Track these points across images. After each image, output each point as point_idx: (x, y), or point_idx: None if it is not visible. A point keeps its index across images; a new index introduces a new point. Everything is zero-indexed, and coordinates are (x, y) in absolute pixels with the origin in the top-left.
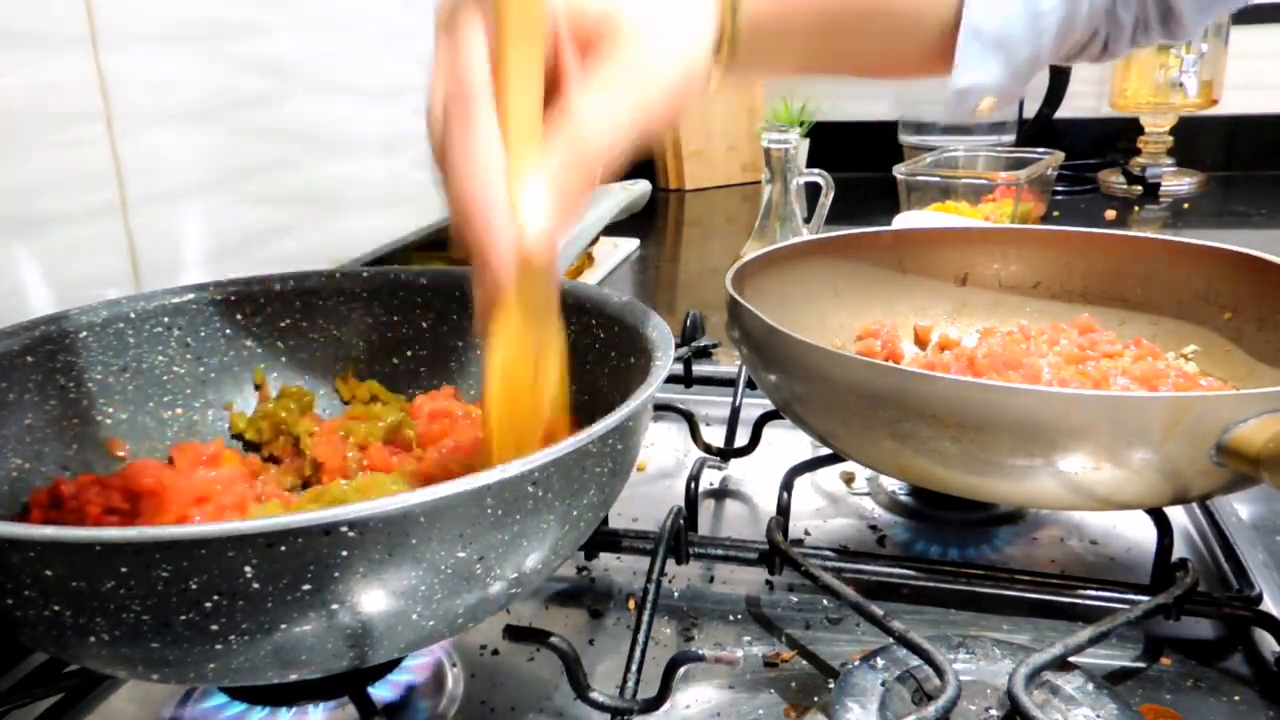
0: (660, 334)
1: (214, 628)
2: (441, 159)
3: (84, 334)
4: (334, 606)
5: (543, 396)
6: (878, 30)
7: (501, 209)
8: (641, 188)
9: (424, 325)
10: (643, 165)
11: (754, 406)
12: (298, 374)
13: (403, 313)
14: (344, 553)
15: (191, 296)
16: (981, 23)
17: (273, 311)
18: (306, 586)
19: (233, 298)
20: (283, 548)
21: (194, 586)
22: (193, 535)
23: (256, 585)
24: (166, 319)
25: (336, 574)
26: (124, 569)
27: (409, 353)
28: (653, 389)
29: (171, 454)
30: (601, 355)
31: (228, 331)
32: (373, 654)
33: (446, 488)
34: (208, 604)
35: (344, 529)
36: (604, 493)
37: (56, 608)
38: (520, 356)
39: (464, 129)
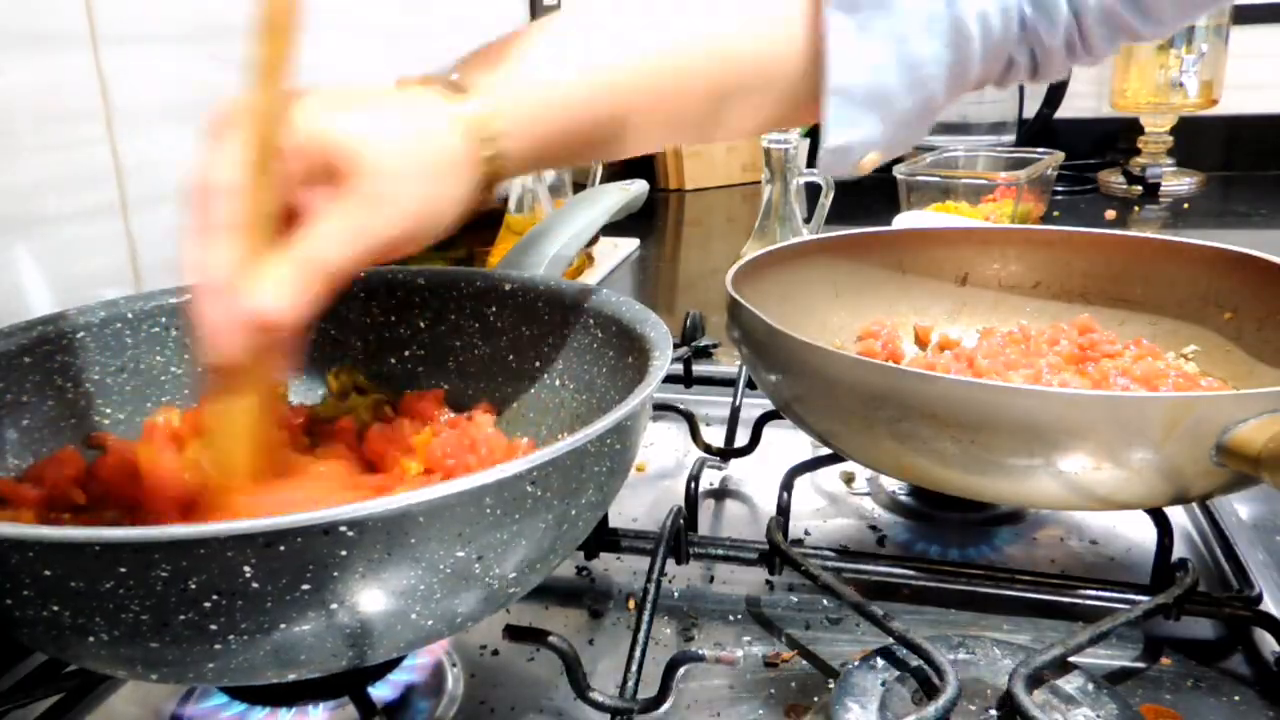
0: (658, 333)
1: (213, 627)
2: (190, 246)
3: (81, 334)
4: (333, 606)
5: (254, 444)
6: (720, 113)
7: (232, 298)
8: (639, 188)
9: (421, 325)
10: (643, 165)
11: (754, 406)
12: (294, 374)
13: (400, 312)
14: (343, 552)
15: (189, 297)
16: (848, 81)
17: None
18: (306, 586)
19: None
20: (282, 547)
21: (193, 586)
22: (191, 535)
23: (256, 585)
24: (164, 319)
25: (336, 573)
26: (123, 569)
27: (406, 352)
28: (651, 388)
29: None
30: (599, 355)
31: None
32: (372, 653)
33: (445, 487)
34: (207, 604)
35: (343, 528)
36: (602, 492)
37: (55, 607)
38: (237, 407)
39: (207, 217)
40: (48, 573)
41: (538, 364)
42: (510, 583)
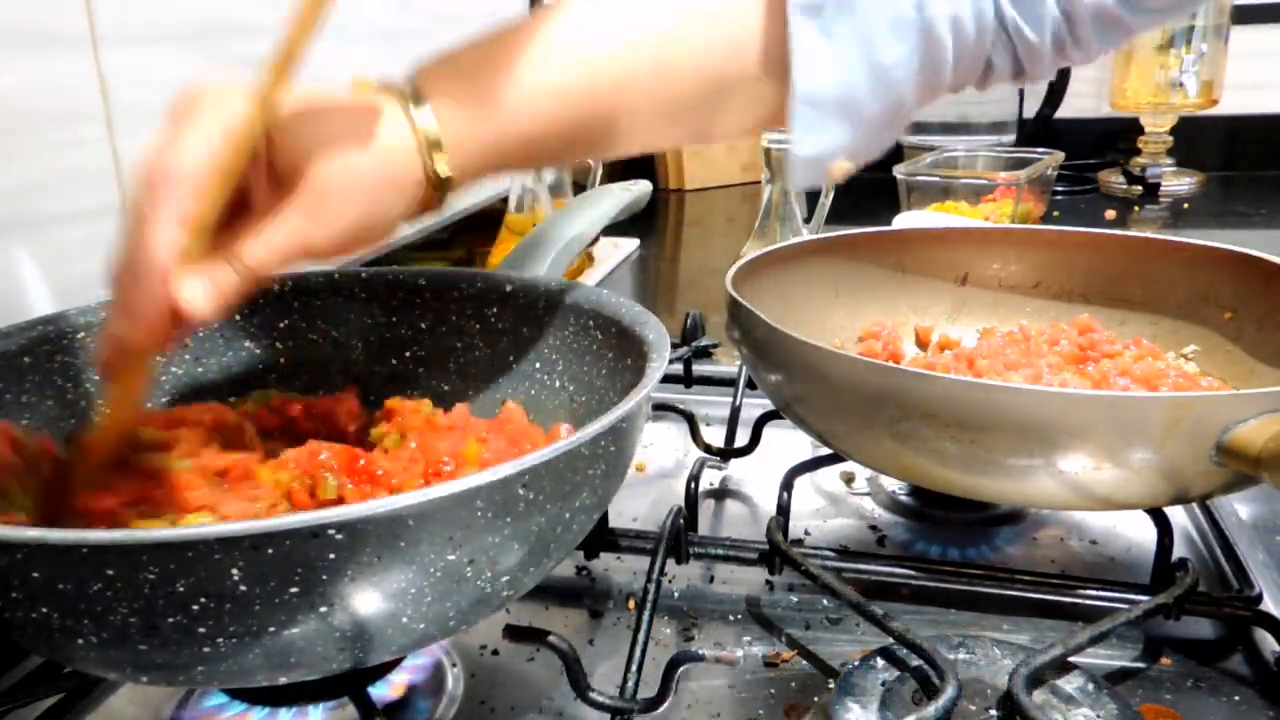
0: (657, 335)
1: (202, 630)
2: (134, 221)
3: (81, 334)
4: (323, 609)
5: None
6: (682, 122)
7: (161, 280)
8: (642, 188)
9: (423, 326)
10: (643, 165)
11: (754, 406)
12: (295, 375)
13: (401, 313)
14: (331, 555)
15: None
16: (815, 89)
17: (271, 312)
18: (294, 589)
19: None
20: (269, 550)
21: (181, 589)
22: (179, 538)
23: (244, 588)
24: None
25: (325, 576)
26: (110, 571)
27: (407, 353)
28: (646, 391)
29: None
30: (599, 356)
31: (226, 333)
32: (363, 656)
33: (435, 490)
34: (195, 606)
35: (332, 531)
36: (598, 494)
37: (44, 609)
38: (130, 395)
39: (160, 203)
40: (36, 574)
41: (538, 365)
42: (504, 585)
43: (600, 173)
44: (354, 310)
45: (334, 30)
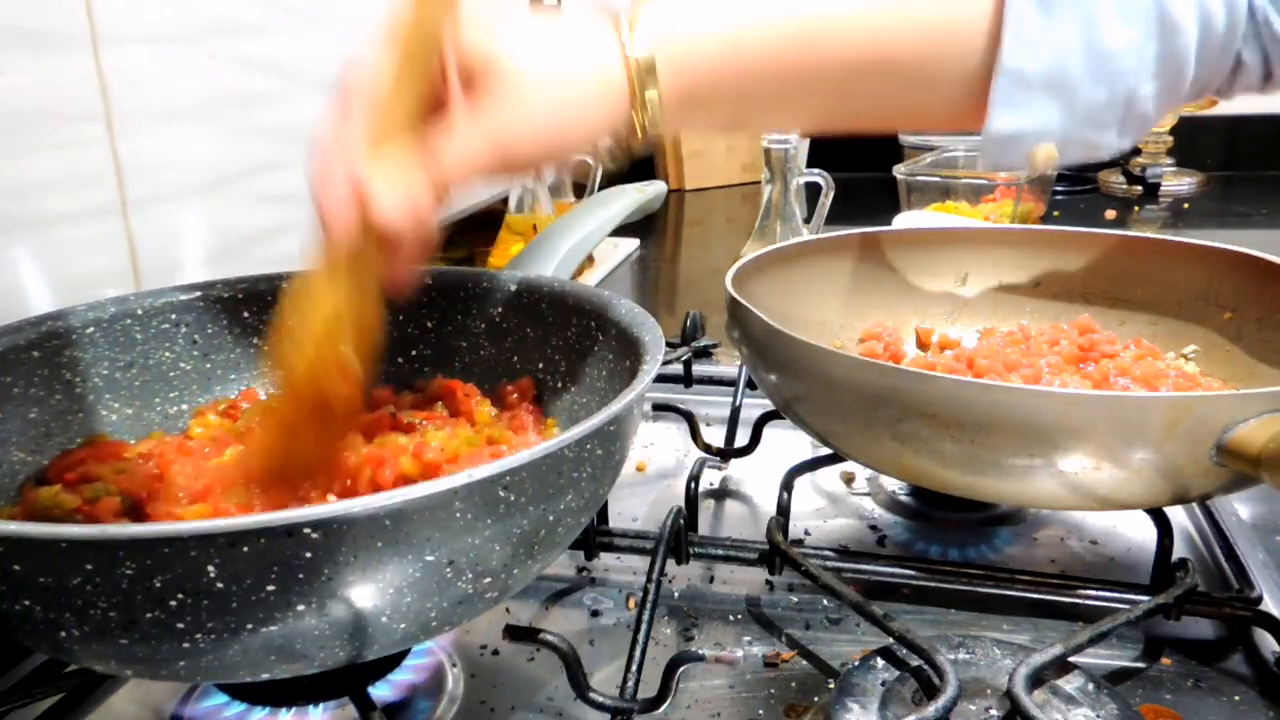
0: (652, 338)
1: (180, 626)
2: (324, 127)
3: (90, 329)
4: (299, 608)
5: (346, 357)
6: (877, 87)
7: (349, 176)
8: (657, 189)
9: (429, 324)
10: (643, 165)
11: (754, 406)
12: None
13: (407, 311)
14: (308, 554)
15: (200, 294)
16: (1022, 62)
17: (278, 310)
18: (271, 587)
19: (240, 295)
20: (245, 548)
21: (158, 585)
22: (155, 534)
23: (220, 585)
24: (174, 315)
25: (300, 575)
26: (89, 566)
27: (413, 352)
28: (634, 395)
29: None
30: (600, 358)
31: (235, 329)
32: (345, 655)
33: (412, 490)
34: (173, 602)
35: (307, 530)
36: (584, 497)
37: (27, 602)
38: (329, 305)
39: (341, 115)
40: (17, 568)
41: (540, 365)
42: (487, 587)
43: (600, 175)
44: None
45: (321, 22)
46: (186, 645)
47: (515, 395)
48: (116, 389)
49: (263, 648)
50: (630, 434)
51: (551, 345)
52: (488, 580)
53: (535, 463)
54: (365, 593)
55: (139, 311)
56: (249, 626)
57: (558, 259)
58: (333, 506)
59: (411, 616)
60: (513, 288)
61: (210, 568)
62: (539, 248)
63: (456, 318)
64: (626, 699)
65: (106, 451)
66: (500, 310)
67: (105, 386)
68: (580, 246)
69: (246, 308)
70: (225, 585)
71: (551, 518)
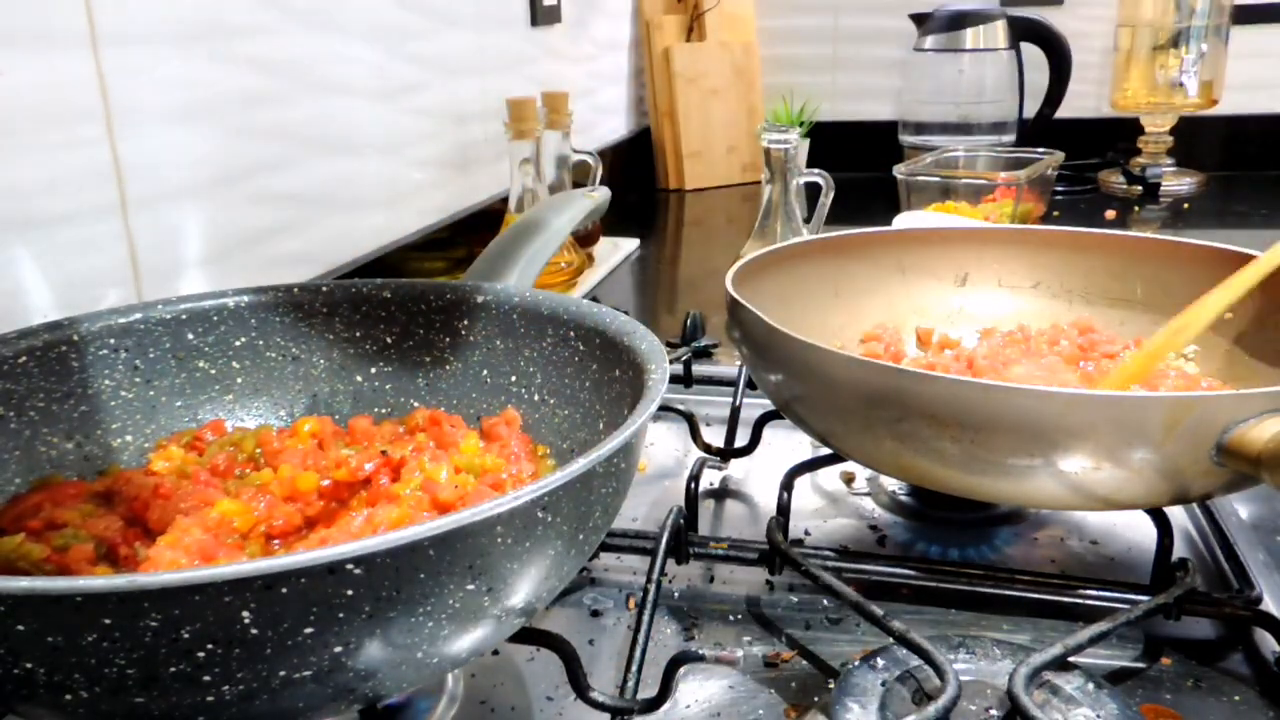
0: (650, 345)
1: (206, 678)
2: None
3: (23, 359)
4: (337, 649)
5: None
6: None
7: None
8: (603, 194)
9: (388, 340)
10: (643, 165)
11: (754, 406)
12: (254, 396)
13: (365, 328)
14: (349, 591)
15: (139, 316)
16: None
17: (226, 330)
18: (309, 630)
19: (184, 316)
20: (284, 589)
21: (185, 636)
22: (186, 581)
23: (255, 631)
24: (113, 340)
25: (341, 614)
26: (107, 620)
27: (373, 370)
28: (654, 404)
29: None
30: (582, 368)
31: (179, 352)
32: (374, 696)
33: (457, 518)
34: (201, 654)
35: (349, 566)
36: (607, 513)
37: (29, 665)
38: None
39: None
40: (20, 628)
41: (513, 379)
42: (515, 613)
43: (600, 173)
44: (315, 325)
45: (321, 22)
46: (210, 699)
47: (502, 427)
48: (55, 422)
49: (292, 695)
50: (642, 445)
51: (524, 357)
52: (520, 606)
53: (572, 482)
54: (405, 628)
55: (74, 337)
56: (281, 673)
57: (517, 269)
58: (377, 540)
59: (445, 651)
60: (479, 299)
61: (245, 613)
62: (495, 259)
63: (418, 332)
64: (626, 699)
65: (65, 494)
66: (466, 323)
67: (41, 420)
68: (537, 257)
69: (190, 329)
70: (260, 631)
71: (580, 536)
